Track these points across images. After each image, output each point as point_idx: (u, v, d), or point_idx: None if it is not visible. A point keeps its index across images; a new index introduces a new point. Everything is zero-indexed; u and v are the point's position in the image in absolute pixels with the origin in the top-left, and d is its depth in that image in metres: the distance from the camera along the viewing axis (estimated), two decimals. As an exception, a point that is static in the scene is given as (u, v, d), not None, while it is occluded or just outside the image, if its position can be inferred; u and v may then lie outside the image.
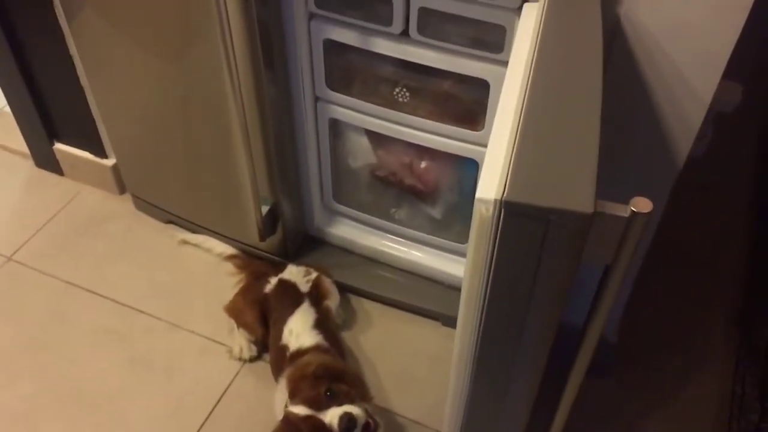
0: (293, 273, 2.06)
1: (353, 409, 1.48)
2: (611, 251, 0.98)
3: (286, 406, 1.58)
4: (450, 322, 2.16)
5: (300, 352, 1.80)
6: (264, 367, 2.07)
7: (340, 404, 1.50)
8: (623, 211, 0.92)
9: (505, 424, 1.36)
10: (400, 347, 2.13)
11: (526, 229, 0.92)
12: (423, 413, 1.94)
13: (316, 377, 1.58)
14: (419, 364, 2.08)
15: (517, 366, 1.16)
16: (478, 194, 0.94)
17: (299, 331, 1.86)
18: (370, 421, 1.52)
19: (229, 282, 2.20)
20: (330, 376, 1.59)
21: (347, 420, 1.46)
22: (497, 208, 0.92)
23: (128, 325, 2.16)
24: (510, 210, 0.91)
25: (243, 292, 2.09)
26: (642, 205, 0.91)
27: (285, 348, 1.84)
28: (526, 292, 0.98)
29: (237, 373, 2.04)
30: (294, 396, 1.58)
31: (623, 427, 1.95)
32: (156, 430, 1.91)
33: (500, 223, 0.93)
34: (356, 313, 2.22)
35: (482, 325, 1.05)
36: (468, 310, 1.08)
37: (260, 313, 1.99)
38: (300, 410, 1.51)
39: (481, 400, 1.31)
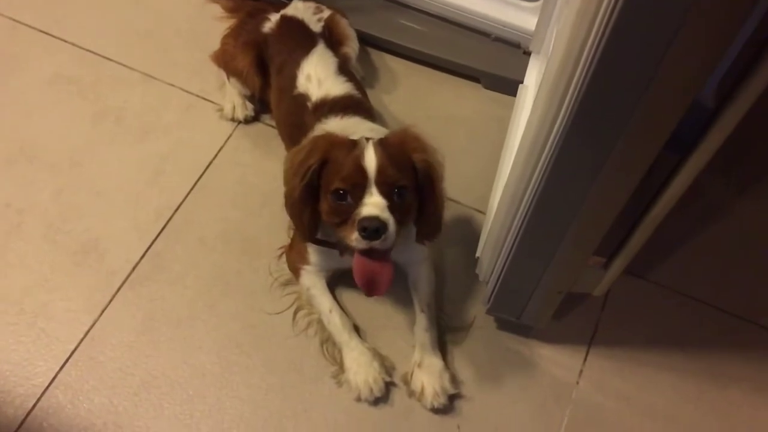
0: (300, 9, 1.60)
1: (389, 220, 1.10)
2: None
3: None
4: (495, 83, 1.75)
5: (327, 102, 1.39)
6: (262, 130, 1.68)
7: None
8: None
9: (582, 225, 0.99)
10: (432, 112, 1.75)
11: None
12: (458, 190, 1.59)
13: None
14: (454, 133, 1.70)
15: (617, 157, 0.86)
16: None
17: (321, 76, 1.44)
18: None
19: (216, 28, 1.75)
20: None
21: (374, 228, 1.09)
22: None
23: (93, 75, 1.75)
24: None
25: (234, 33, 1.64)
26: None
27: (303, 98, 1.42)
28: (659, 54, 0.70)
29: (229, 136, 1.66)
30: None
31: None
32: (131, 197, 1.56)
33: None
34: (378, 71, 1.79)
35: (576, 102, 0.82)
36: (556, 83, 0.85)
37: (257, 58, 1.56)
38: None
39: (554, 198, 0.98)
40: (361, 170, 1.10)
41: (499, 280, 1.23)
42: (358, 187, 1.11)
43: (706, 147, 0.91)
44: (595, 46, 0.75)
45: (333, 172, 1.12)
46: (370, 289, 1.15)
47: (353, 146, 1.14)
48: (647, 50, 0.73)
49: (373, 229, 1.08)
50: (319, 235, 1.25)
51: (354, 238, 1.10)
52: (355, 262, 1.15)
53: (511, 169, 1.12)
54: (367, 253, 1.13)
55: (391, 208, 1.11)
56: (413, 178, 1.16)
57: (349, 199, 1.11)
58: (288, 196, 1.19)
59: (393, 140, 1.17)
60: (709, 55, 0.73)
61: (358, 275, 1.15)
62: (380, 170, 1.10)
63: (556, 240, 1.06)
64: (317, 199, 1.17)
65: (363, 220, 1.08)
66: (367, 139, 1.16)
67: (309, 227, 1.20)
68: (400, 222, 1.13)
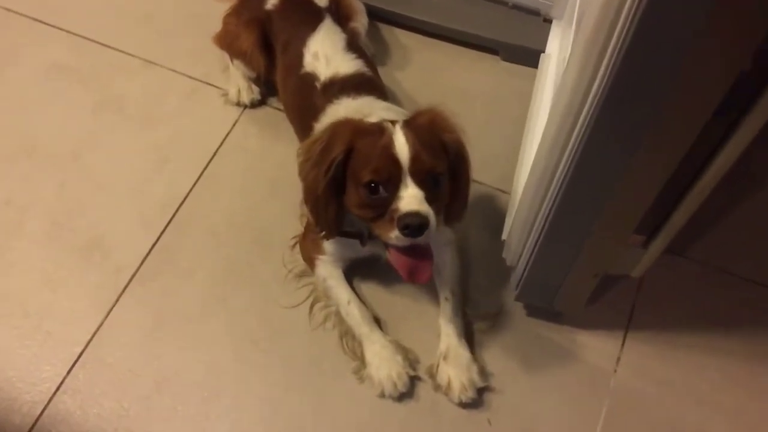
0: (304, -18, 1.49)
1: (429, 213, 1.02)
2: None
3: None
4: (514, 55, 1.65)
5: (337, 82, 1.30)
6: (269, 113, 1.60)
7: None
8: None
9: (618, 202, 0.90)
10: (448, 88, 1.65)
11: None
12: (479, 169, 1.46)
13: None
14: (472, 110, 1.61)
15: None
16: None
17: (329, 53, 1.35)
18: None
19: (217, 9, 1.65)
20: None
21: (417, 226, 1.01)
22: None
23: (91, 63, 1.67)
24: None
25: (236, 12, 1.54)
26: None
27: (311, 77, 1.33)
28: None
29: (236, 122, 1.58)
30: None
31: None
32: (135, 189, 1.49)
33: None
34: (389, 47, 1.70)
35: (615, 66, 0.74)
36: (591, 46, 0.76)
37: (261, 37, 1.47)
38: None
39: (590, 173, 0.89)
40: (394, 160, 1.01)
41: (529, 265, 1.14)
42: (392, 178, 1.02)
43: (760, 112, 0.81)
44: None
45: (361, 163, 1.04)
46: (412, 278, 1.08)
47: (379, 132, 1.05)
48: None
49: (416, 226, 1.00)
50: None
51: (395, 237, 1.03)
52: (394, 257, 1.08)
53: (540, 143, 1.03)
54: (408, 248, 1.05)
55: (429, 198, 1.03)
56: (446, 161, 1.08)
57: (382, 191, 1.03)
58: (309, 191, 1.10)
59: (421, 121, 1.08)
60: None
61: (399, 268, 1.08)
62: (414, 158, 1.02)
63: (591, 219, 0.97)
64: (342, 191, 1.09)
65: (405, 217, 1.00)
66: (393, 123, 1.06)
67: (335, 222, 1.13)
68: (438, 210, 1.06)
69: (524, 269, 1.17)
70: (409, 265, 1.07)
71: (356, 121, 1.09)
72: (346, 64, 1.34)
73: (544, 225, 1.03)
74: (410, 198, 1.01)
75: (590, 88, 0.78)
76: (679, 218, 0.99)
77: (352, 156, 1.05)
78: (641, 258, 1.10)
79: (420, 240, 1.02)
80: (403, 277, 1.09)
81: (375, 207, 1.04)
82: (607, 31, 0.71)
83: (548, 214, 1.00)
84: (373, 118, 1.13)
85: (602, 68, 0.74)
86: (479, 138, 1.52)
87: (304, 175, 1.11)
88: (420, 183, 1.02)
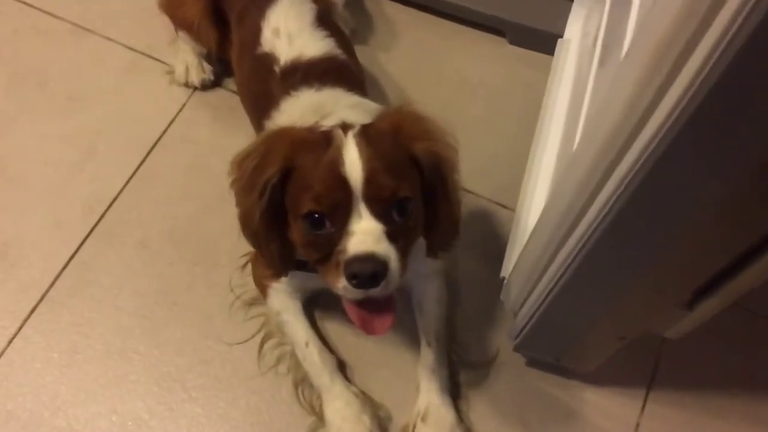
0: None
1: (389, 255, 0.77)
2: None
3: None
4: (524, 37, 1.40)
5: (300, 66, 1.04)
6: (223, 98, 1.33)
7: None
8: None
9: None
10: (443, 75, 1.38)
11: None
12: (475, 177, 1.25)
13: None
14: (471, 103, 1.36)
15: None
16: None
17: (293, 29, 1.09)
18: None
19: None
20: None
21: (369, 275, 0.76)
22: None
23: (9, 26, 1.42)
24: None
25: (184, -28, 1.24)
26: None
27: (270, 59, 1.07)
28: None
29: (182, 106, 1.32)
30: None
31: None
32: (52, 187, 1.24)
33: None
34: (373, 22, 1.43)
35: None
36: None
37: (211, 4, 1.20)
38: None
39: (654, 208, 0.63)
40: (342, 181, 0.76)
41: (535, 317, 0.89)
42: (339, 207, 0.77)
43: None
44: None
45: (301, 188, 0.79)
46: (367, 331, 0.84)
47: (326, 143, 0.79)
48: None
49: (367, 275, 0.75)
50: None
51: (341, 287, 0.78)
52: (346, 306, 0.84)
53: (573, 160, 0.76)
54: (363, 301, 0.81)
55: (391, 232, 0.78)
56: (416, 180, 0.81)
57: (328, 225, 0.78)
58: (244, 221, 0.85)
59: (382, 127, 0.83)
60: None
61: (352, 318, 0.84)
62: (369, 178, 0.76)
63: (633, 276, 0.71)
64: (286, 221, 0.83)
65: (352, 263, 0.75)
66: (345, 129, 0.80)
67: (281, 259, 0.87)
68: (405, 248, 0.80)
69: (528, 320, 0.91)
70: (363, 318, 0.83)
71: (295, 131, 0.83)
72: (314, 45, 1.07)
73: (563, 273, 0.77)
74: (363, 235, 0.76)
75: (667, 86, 0.51)
76: (748, 280, 0.73)
77: (291, 177, 0.80)
78: (682, 319, 0.85)
79: (375, 293, 0.77)
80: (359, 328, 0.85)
81: (319, 246, 0.80)
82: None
83: (572, 260, 0.74)
84: (330, 120, 0.86)
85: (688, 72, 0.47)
86: (478, 137, 1.28)
87: (237, 199, 0.85)
88: (378, 213, 0.77)
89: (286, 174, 0.80)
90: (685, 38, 0.48)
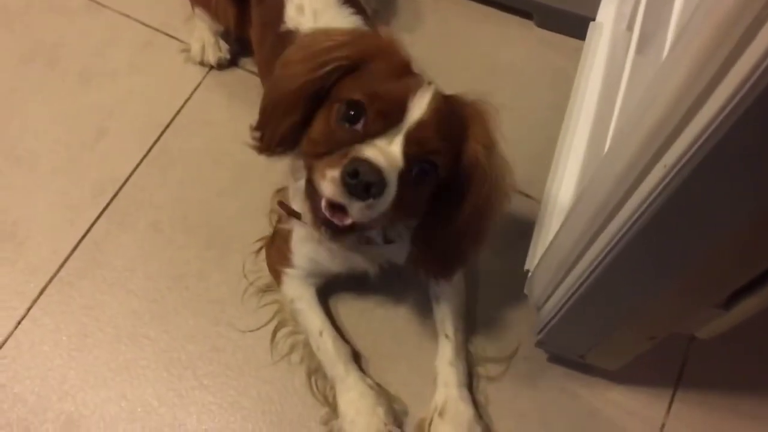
0: None
1: (390, 186, 0.73)
2: None
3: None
4: (552, 20, 1.35)
5: None
6: (240, 78, 1.30)
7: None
8: None
9: None
10: (468, 59, 1.33)
11: None
12: None
13: None
14: (497, 87, 1.31)
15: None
16: None
17: (318, 6, 1.05)
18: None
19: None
20: None
21: (364, 183, 0.72)
22: None
23: (20, 2, 1.37)
24: None
25: (201, -55, 1.21)
26: None
27: (294, 36, 1.03)
28: None
29: (198, 86, 1.28)
30: None
31: None
32: (63, 167, 1.21)
33: None
34: (396, 2, 1.39)
35: None
36: None
37: (230, -20, 1.15)
38: None
39: (700, 202, 0.58)
40: (401, 105, 0.75)
41: (561, 312, 0.85)
42: (381, 118, 0.75)
43: None
44: None
45: (361, 82, 0.78)
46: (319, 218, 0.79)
47: (408, 74, 0.79)
48: None
49: (364, 180, 0.70)
50: (292, 205, 0.93)
51: (330, 178, 0.73)
52: (310, 207, 0.79)
53: (610, 153, 0.72)
54: (323, 224, 0.76)
55: (401, 177, 0.74)
56: (451, 167, 0.78)
57: (359, 124, 0.76)
58: (277, 85, 0.83)
59: (459, 106, 0.80)
60: None
61: (309, 209, 0.80)
62: (422, 124, 0.75)
63: (671, 274, 0.66)
64: (312, 112, 0.81)
65: (359, 162, 0.71)
66: (430, 83, 0.78)
67: (281, 139, 0.84)
68: (397, 209, 0.76)
69: (553, 316, 0.87)
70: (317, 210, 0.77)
71: (389, 40, 0.81)
72: (341, 21, 1.04)
73: (592, 271, 0.73)
74: (382, 153, 0.73)
75: (721, 77, 0.46)
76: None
77: (356, 73, 0.79)
78: (717, 319, 0.80)
79: (356, 208, 0.73)
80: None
81: (334, 140, 0.77)
82: None
83: (604, 257, 0.70)
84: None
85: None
86: (503, 124, 1.21)
87: (284, 64, 0.83)
88: (407, 153, 0.74)
89: (351, 68, 0.78)
90: (751, 17, 0.44)
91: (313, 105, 0.80)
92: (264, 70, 1.15)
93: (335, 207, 0.75)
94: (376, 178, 0.71)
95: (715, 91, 0.50)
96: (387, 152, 0.74)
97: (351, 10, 1.07)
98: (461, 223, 0.81)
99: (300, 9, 1.05)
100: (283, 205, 0.96)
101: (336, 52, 0.79)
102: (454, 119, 0.78)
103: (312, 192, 0.77)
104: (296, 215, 0.93)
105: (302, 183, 0.83)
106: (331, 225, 0.76)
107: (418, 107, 0.75)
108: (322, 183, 0.74)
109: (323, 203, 0.76)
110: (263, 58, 1.14)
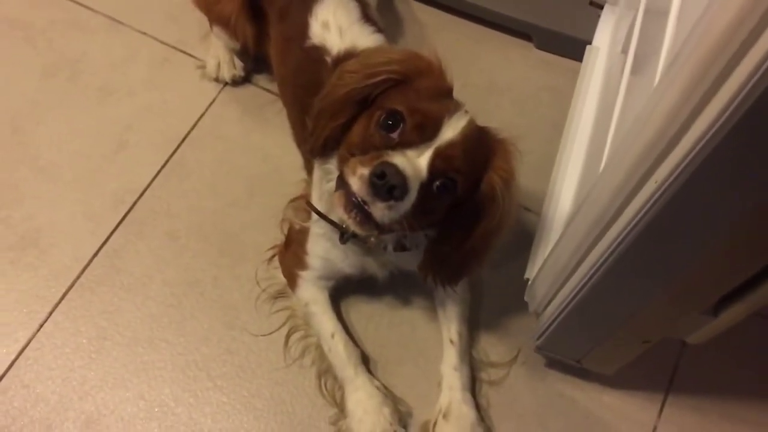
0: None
1: (412, 192, 0.80)
2: None
3: None
4: (551, 42, 1.41)
5: (354, 56, 1.05)
6: (254, 94, 1.34)
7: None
8: None
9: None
10: (470, 78, 1.39)
11: None
12: None
13: None
14: (497, 105, 1.38)
15: None
16: None
17: (343, 23, 1.11)
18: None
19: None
20: None
21: (389, 186, 0.79)
22: None
23: (45, 18, 1.42)
24: None
25: (219, -32, 1.26)
26: None
27: (320, 51, 1.09)
28: None
29: (212, 101, 1.33)
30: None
31: None
32: (84, 177, 1.25)
33: None
34: (403, 23, 1.45)
35: None
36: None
37: (248, 0, 1.19)
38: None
39: (694, 213, 0.64)
40: (437, 123, 0.83)
41: (559, 319, 0.90)
42: (417, 131, 0.82)
43: None
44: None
45: (404, 97, 0.85)
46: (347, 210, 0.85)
47: (448, 97, 0.88)
48: None
49: (389, 183, 0.77)
50: (320, 208, 1.00)
51: (358, 175, 0.80)
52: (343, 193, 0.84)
53: (606, 169, 0.77)
54: (354, 208, 0.82)
55: (423, 188, 0.81)
56: (470, 190, 0.85)
57: (396, 133, 0.83)
58: (329, 93, 0.91)
59: (489, 138, 0.89)
60: None
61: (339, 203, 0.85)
62: (452, 144, 0.82)
63: (664, 281, 0.72)
64: (354, 118, 0.89)
65: (388, 165, 0.78)
66: (466, 111, 0.86)
67: (325, 139, 0.91)
68: (414, 215, 0.82)
69: (552, 322, 0.92)
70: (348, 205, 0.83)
71: (438, 63, 0.89)
72: (366, 38, 1.10)
73: (589, 279, 0.78)
74: (410, 163, 0.80)
75: (712, 94, 0.52)
76: (774, 288, 0.74)
77: (401, 87, 0.86)
78: (706, 325, 0.86)
79: (378, 208, 0.80)
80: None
81: (370, 143, 0.84)
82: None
83: (598, 268, 0.76)
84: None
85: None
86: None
87: (339, 75, 0.90)
88: (433, 167, 0.82)
89: (400, 81, 0.86)
90: (735, 48, 0.50)
91: (358, 111, 0.87)
92: (287, 82, 1.20)
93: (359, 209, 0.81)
94: (400, 182, 0.77)
95: (701, 115, 0.56)
96: (414, 162, 0.80)
97: (372, 28, 1.13)
98: (471, 241, 0.88)
99: (326, 26, 1.11)
100: (309, 204, 1.02)
101: (389, 65, 0.86)
102: (481, 148, 0.86)
103: (343, 183, 0.83)
104: (322, 215, 0.99)
105: (332, 185, 0.89)
106: (361, 210, 0.81)
107: (452, 129, 0.82)
108: (352, 178, 0.81)
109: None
110: (287, 72, 1.19)
